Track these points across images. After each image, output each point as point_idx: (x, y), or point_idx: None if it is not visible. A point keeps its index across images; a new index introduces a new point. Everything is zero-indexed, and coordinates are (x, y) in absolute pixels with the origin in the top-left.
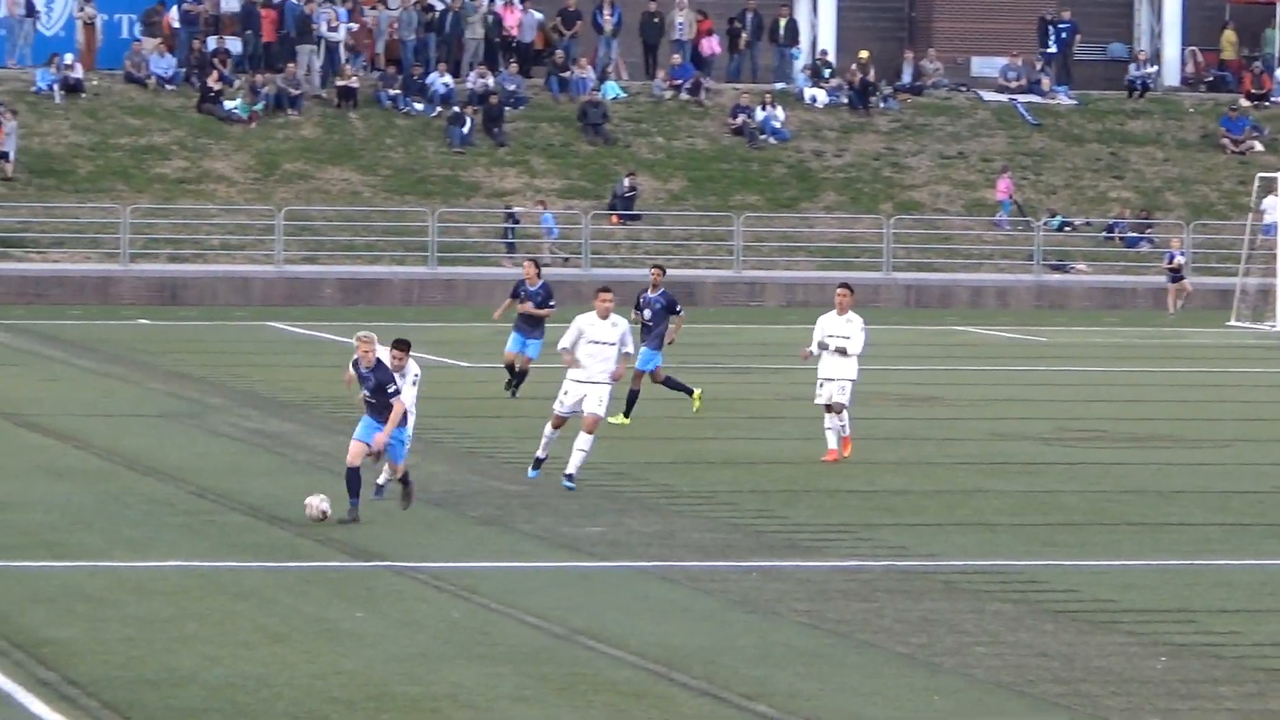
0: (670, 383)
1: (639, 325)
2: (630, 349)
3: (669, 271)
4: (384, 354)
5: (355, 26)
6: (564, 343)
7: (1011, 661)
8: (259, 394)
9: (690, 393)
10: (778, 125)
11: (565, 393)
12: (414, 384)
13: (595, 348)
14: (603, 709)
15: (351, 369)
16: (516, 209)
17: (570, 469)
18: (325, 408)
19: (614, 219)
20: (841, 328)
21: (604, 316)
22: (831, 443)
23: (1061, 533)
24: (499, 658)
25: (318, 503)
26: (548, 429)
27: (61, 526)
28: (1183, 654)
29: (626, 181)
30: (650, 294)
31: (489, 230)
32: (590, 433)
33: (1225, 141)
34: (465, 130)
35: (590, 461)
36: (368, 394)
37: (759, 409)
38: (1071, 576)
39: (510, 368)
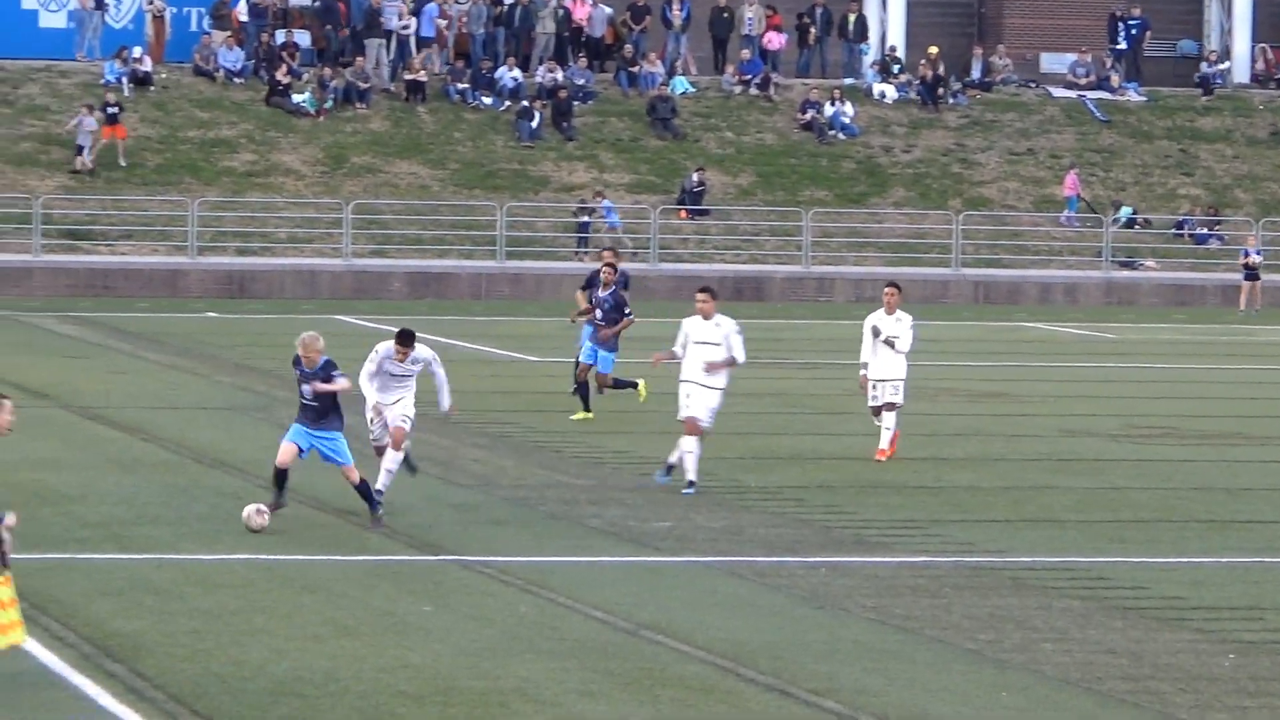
0: (617, 383)
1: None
2: (738, 354)
3: (739, 266)
4: (404, 347)
5: (445, 22)
6: (675, 347)
7: (1079, 658)
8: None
9: (634, 386)
10: (847, 121)
11: (688, 395)
12: (438, 365)
13: (700, 349)
14: (670, 704)
15: (294, 368)
16: (589, 203)
17: (689, 475)
18: None
19: (682, 214)
20: (891, 327)
21: (707, 317)
22: (884, 441)
23: (1130, 529)
24: (566, 652)
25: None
26: (685, 440)
27: (129, 519)
28: (1251, 651)
29: (695, 176)
30: (601, 293)
31: (557, 225)
32: (694, 435)
33: None
34: (534, 124)
35: (657, 456)
36: (306, 397)
37: (827, 405)
38: (1140, 573)
39: (579, 380)
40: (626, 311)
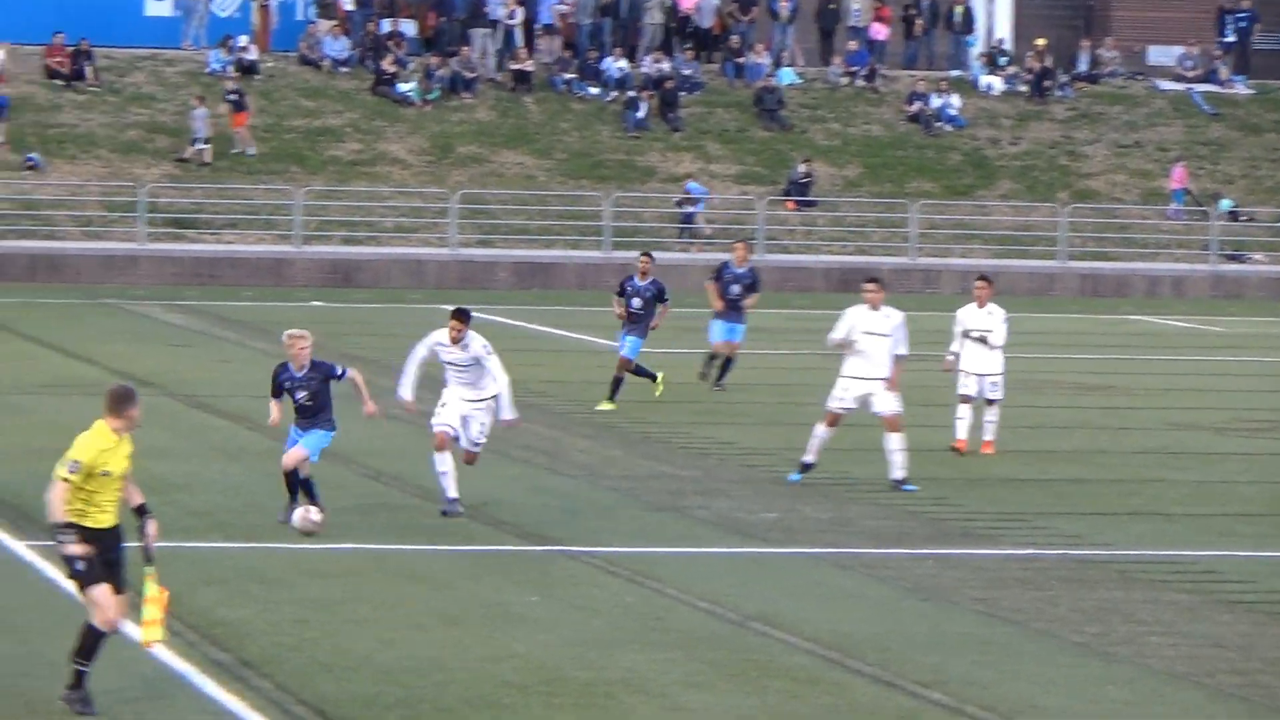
0: (639, 371)
1: (625, 314)
2: (904, 350)
3: (845, 258)
4: (443, 334)
5: (566, 8)
6: (835, 336)
7: (1187, 652)
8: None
9: (654, 378)
10: (954, 113)
11: (844, 389)
12: (489, 353)
13: (870, 340)
14: (776, 695)
15: (278, 377)
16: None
17: (899, 474)
18: None
19: (789, 205)
20: (983, 321)
21: (875, 308)
22: (961, 432)
23: (1239, 523)
24: (672, 643)
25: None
26: (820, 429)
27: (235, 508)
28: None
29: (802, 168)
30: (639, 281)
31: (663, 215)
32: (896, 431)
33: None
34: (640, 115)
35: (764, 448)
36: (303, 398)
37: (934, 396)
38: (1248, 567)
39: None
40: (665, 299)
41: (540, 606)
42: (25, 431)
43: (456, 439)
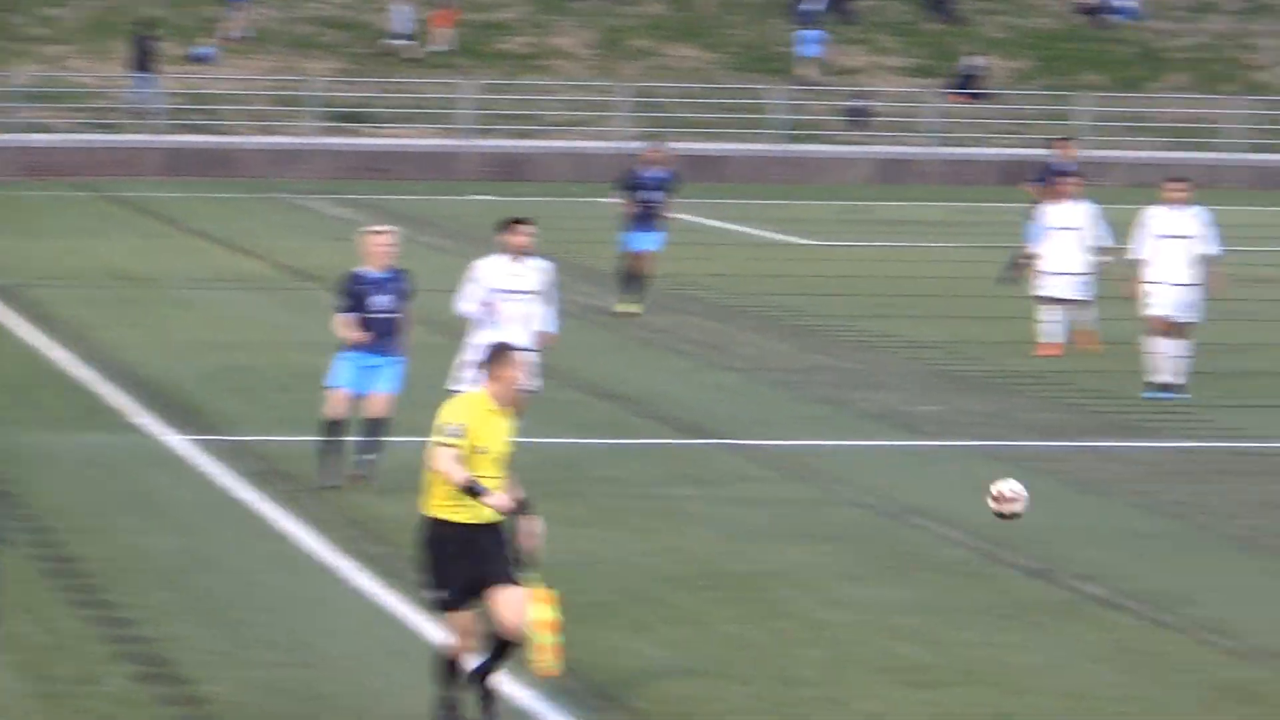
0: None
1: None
2: (1214, 247)
3: (1015, 150)
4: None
5: None
6: (1134, 252)
7: None
8: (598, 270)
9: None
10: (1127, 4)
11: (1154, 296)
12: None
13: (1169, 243)
14: (933, 588)
15: (352, 283)
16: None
17: (1167, 377)
18: (662, 285)
19: (958, 98)
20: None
21: (1179, 206)
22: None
23: None
24: (829, 536)
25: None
26: (1158, 342)
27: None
28: None
29: (973, 60)
30: (652, 171)
31: (834, 108)
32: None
33: None
34: (814, 7)
35: (926, 340)
36: (385, 304)
37: (1097, 289)
38: None
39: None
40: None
41: (699, 500)
42: (191, 326)
43: None
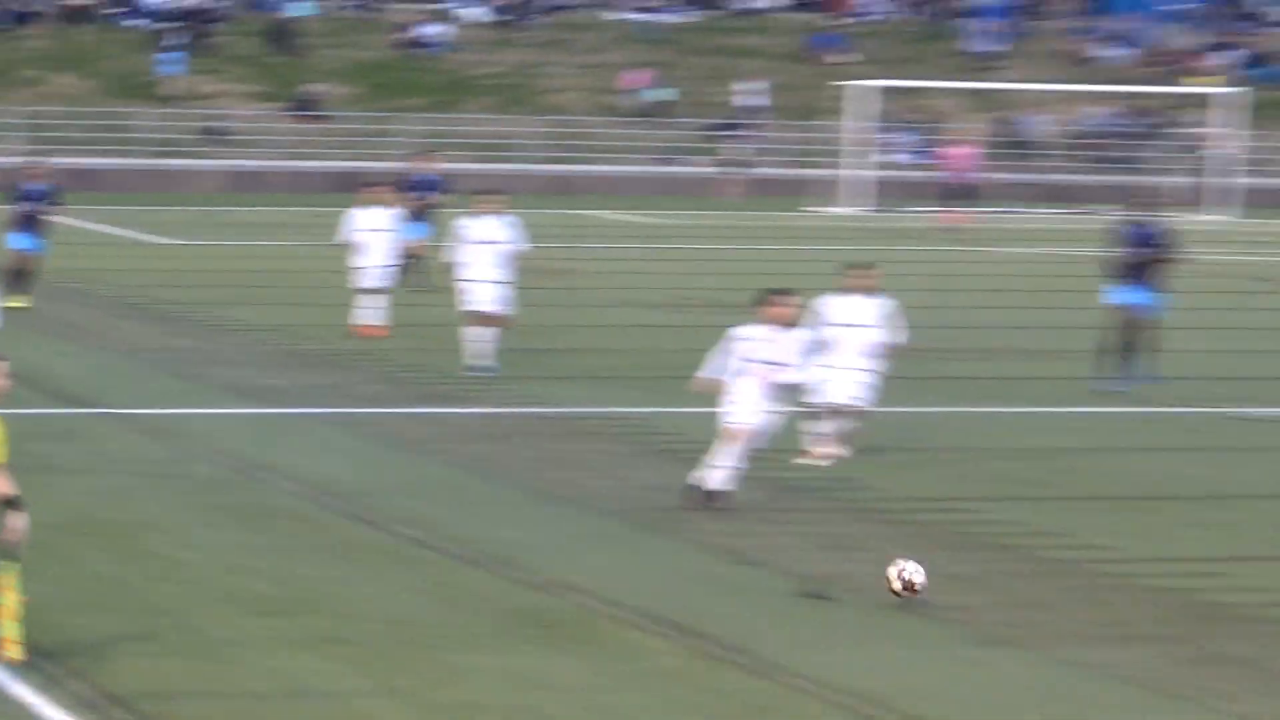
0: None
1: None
2: None
3: (343, 163)
4: None
5: None
6: (449, 255)
7: (620, 492)
8: None
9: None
10: (440, 38)
11: (469, 293)
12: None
13: (478, 247)
14: (277, 533)
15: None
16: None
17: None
18: (49, 280)
19: (300, 119)
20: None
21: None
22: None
23: (667, 383)
24: (189, 491)
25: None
26: (473, 331)
27: None
28: None
29: (312, 87)
30: (31, 184)
31: (194, 128)
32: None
33: None
34: (177, 40)
35: (272, 323)
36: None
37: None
38: (675, 420)
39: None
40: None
41: (75, 458)
42: None
43: None
